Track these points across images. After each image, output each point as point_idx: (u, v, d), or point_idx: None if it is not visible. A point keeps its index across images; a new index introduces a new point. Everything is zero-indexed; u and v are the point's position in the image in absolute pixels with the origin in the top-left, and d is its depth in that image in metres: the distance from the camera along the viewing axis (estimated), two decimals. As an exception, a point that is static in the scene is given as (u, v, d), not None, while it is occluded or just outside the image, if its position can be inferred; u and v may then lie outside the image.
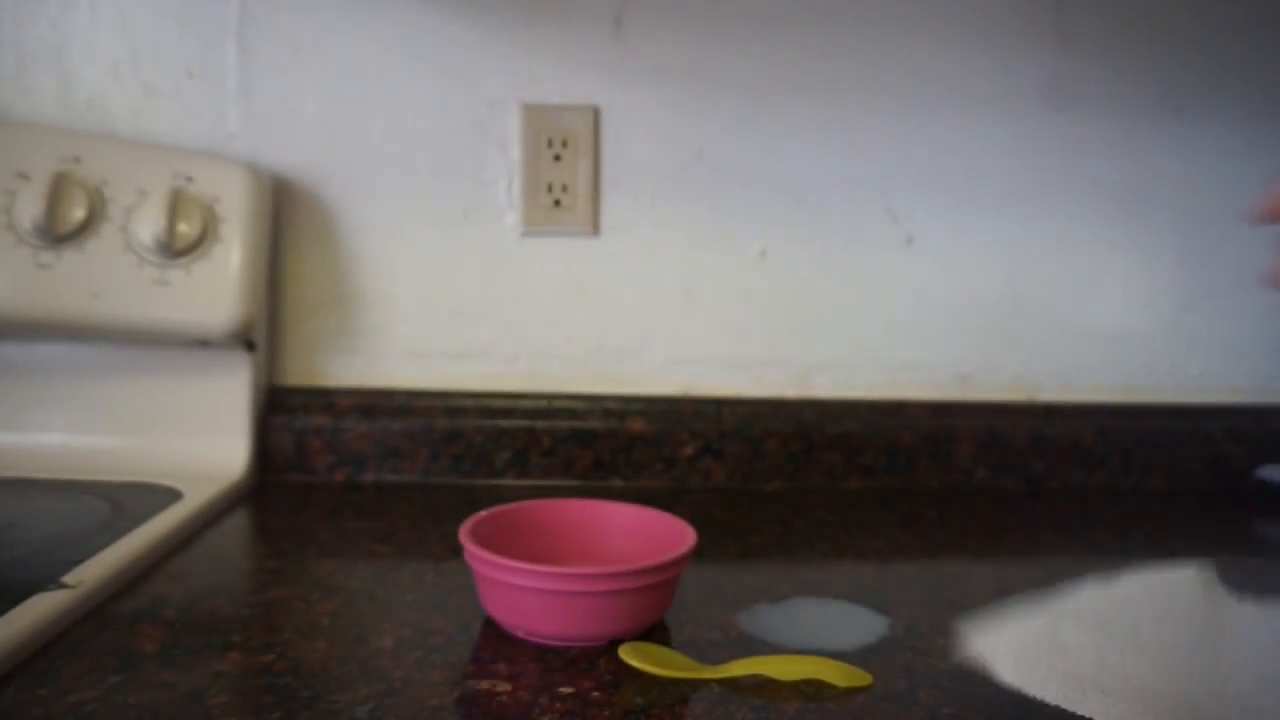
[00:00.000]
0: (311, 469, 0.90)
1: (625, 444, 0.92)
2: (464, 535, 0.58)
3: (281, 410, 0.90)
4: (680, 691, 0.50)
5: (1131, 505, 0.91)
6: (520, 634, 0.56)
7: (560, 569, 0.55)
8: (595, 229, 0.93)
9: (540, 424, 0.91)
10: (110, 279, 0.80)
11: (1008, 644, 0.51)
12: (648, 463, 0.92)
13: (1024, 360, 0.98)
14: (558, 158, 0.91)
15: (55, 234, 0.79)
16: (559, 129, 0.91)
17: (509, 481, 0.91)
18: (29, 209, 0.78)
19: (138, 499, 0.74)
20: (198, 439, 0.85)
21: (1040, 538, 0.80)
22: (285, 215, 0.91)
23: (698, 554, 0.72)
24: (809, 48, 0.93)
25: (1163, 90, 0.96)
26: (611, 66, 0.92)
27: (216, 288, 0.82)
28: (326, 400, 0.91)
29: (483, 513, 0.61)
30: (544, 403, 0.93)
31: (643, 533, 0.63)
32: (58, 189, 0.79)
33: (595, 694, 0.50)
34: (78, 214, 0.80)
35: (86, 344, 0.84)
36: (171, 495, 0.76)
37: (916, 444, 0.93)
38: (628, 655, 0.53)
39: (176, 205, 0.80)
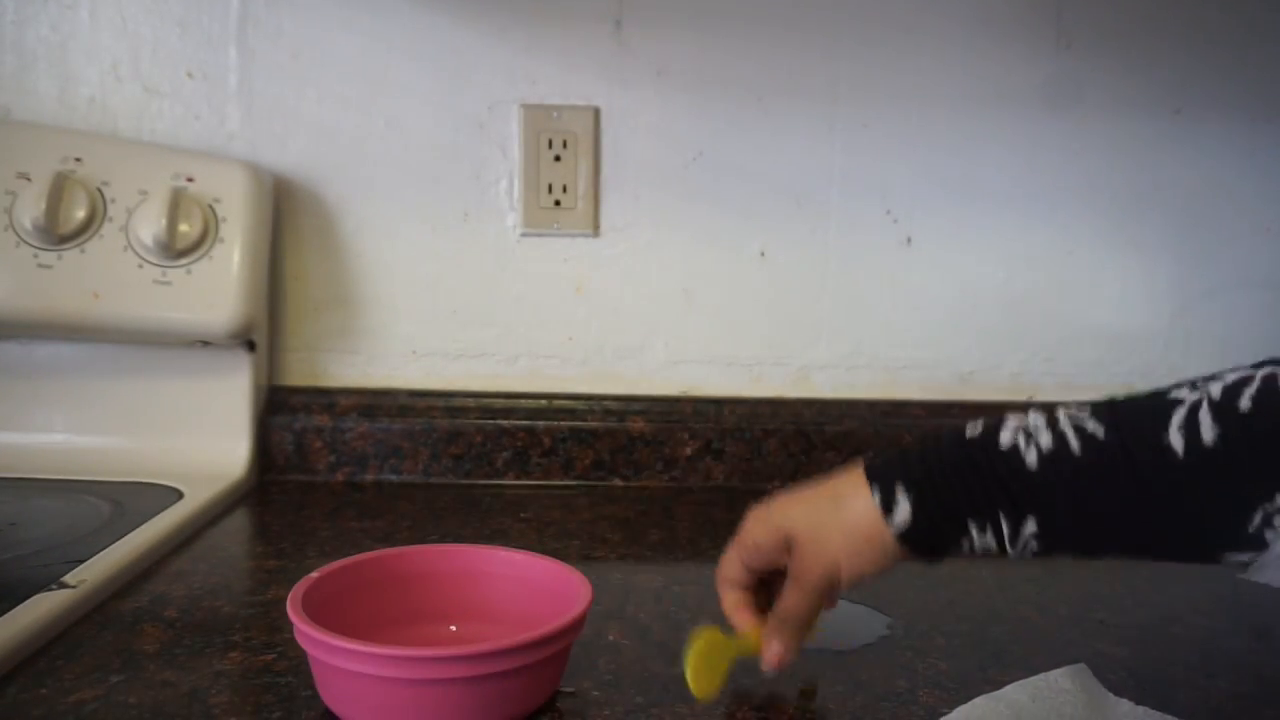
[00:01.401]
0: (312, 469, 0.90)
1: (625, 444, 0.92)
2: (294, 606, 0.46)
3: (282, 410, 0.90)
4: (680, 691, 0.50)
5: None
6: None
7: (435, 651, 0.44)
8: (595, 229, 0.93)
9: (540, 424, 0.92)
10: (111, 279, 0.80)
11: None
12: (648, 462, 0.92)
13: (1023, 360, 0.98)
14: (558, 158, 0.92)
15: (56, 234, 0.79)
16: (559, 129, 0.91)
17: (509, 481, 0.91)
18: (30, 209, 0.78)
19: (139, 499, 0.75)
20: (198, 439, 0.85)
21: (1040, 537, 0.80)
22: (285, 215, 0.91)
23: (699, 553, 0.72)
24: (809, 48, 0.93)
25: (1161, 92, 0.96)
26: (611, 67, 0.92)
27: (217, 288, 0.82)
28: (327, 400, 0.91)
29: (316, 573, 0.50)
30: (544, 403, 0.93)
31: (528, 586, 0.52)
32: (59, 189, 0.79)
33: (595, 693, 0.50)
34: (79, 214, 0.80)
35: (87, 344, 0.84)
36: (172, 495, 0.76)
37: (917, 443, 0.93)
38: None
39: (177, 205, 0.80)
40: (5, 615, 0.52)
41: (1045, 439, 0.44)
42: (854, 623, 0.60)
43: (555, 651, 0.46)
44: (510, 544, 0.72)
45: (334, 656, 0.43)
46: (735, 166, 0.94)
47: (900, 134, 0.94)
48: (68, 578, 0.58)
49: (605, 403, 0.93)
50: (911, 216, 0.96)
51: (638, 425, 0.92)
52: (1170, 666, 0.55)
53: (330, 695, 0.46)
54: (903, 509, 0.45)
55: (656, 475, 0.92)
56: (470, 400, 0.93)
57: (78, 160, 0.81)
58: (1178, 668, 0.55)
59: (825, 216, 0.95)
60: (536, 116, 0.91)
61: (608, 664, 0.53)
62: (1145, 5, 0.95)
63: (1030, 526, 0.44)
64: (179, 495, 0.76)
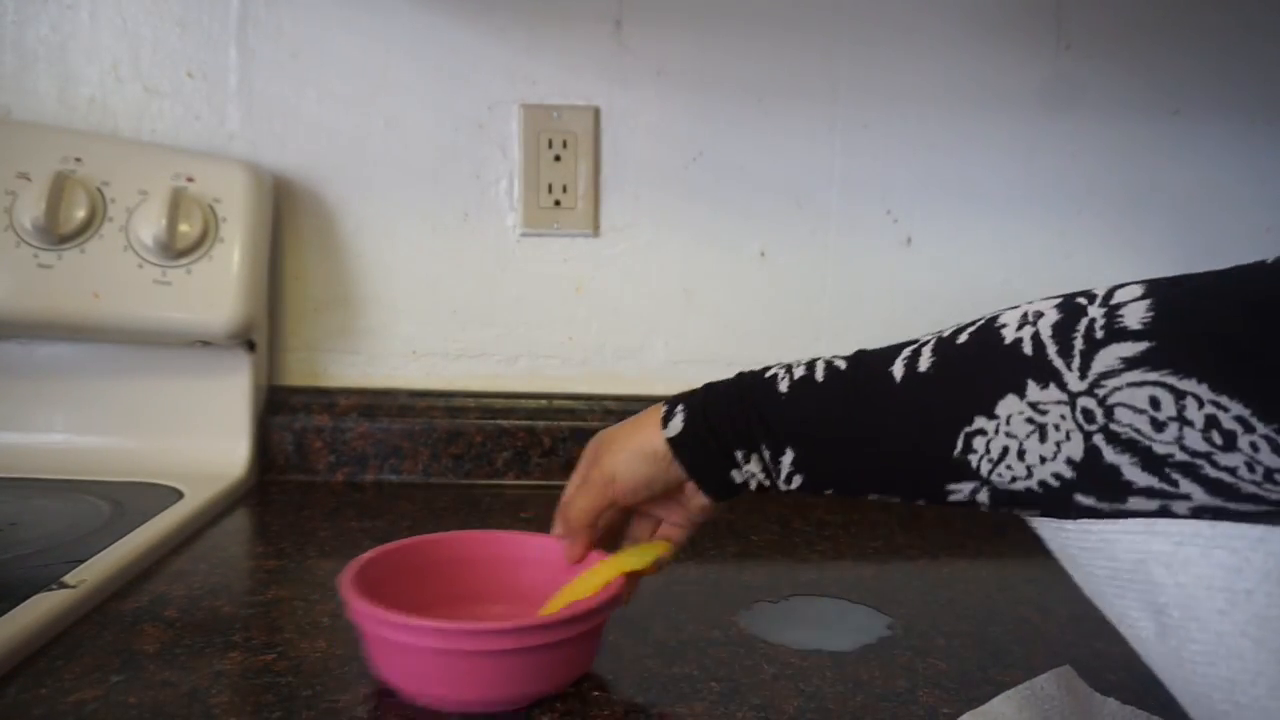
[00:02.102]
0: (312, 469, 0.90)
1: (625, 444, 0.92)
2: (347, 583, 0.49)
3: (282, 410, 0.90)
4: (680, 691, 0.50)
5: (1130, 505, 0.91)
6: (421, 702, 0.48)
7: (475, 625, 0.48)
8: (595, 229, 0.94)
9: (540, 424, 0.92)
10: (111, 279, 0.80)
11: None
12: (647, 463, 0.92)
13: (1023, 361, 0.98)
14: (558, 158, 0.92)
15: (56, 234, 0.79)
16: (559, 129, 0.91)
17: (509, 481, 0.91)
18: (30, 209, 0.78)
19: (139, 498, 0.75)
20: (198, 439, 0.85)
21: (1040, 538, 0.80)
22: (285, 215, 0.91)
23: (699, 553, 0.72)
24: (809, 49, 0.93)
25: (1160, 94, 0.96)
26: (611, 67, 0.92)
27: (217, 288, 0.82)
28: (327, 400, 0.91)
29: (368, 554, 0.53)
30: (544, 403, 0.93)
31: (563, 570, 0.54)
32: (59, 189, 0.79)
33: (595, 693, 0.50)
34: (79, 214, 0.80)
35: (87, 344, 0.85)
36: (172, 495, 0.76)
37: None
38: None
39: (177, 205, 0.80)
40: (5, 615, 0.52)
41: (799, 372, 0.49)
42: (854, 623, 0.60)
43: (596, 624, 0.50)
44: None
45: (397, 633, 0.47)
46: (735, 166, 0.94)
47: (900, 134, 0.94)
48: (68, 578, 0.58)
49: (605, 403, 0.93)
50: (911, 217, 0.96)
51: (637, 425, 0.92)
52: (1170, 666, 0.55)
53: (388, 669, 0.49)
54: (675, 422, 0.51)
55: (656, 475, 0.92)
56: (470, 400, 0.93)
57: (78, 160, 0.81)
58: (1177, 668, 0.55)
59: (825, 217, 0.95)
60: (536, 116, 0.91)
61: (607, 664, 0.53)
62: (1145, 7, 0.95)
63: (788, 455, 0.48)
64: (179, 495, 0.76)
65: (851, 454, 0.46)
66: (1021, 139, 0.95)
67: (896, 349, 0.46)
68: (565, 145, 0.91)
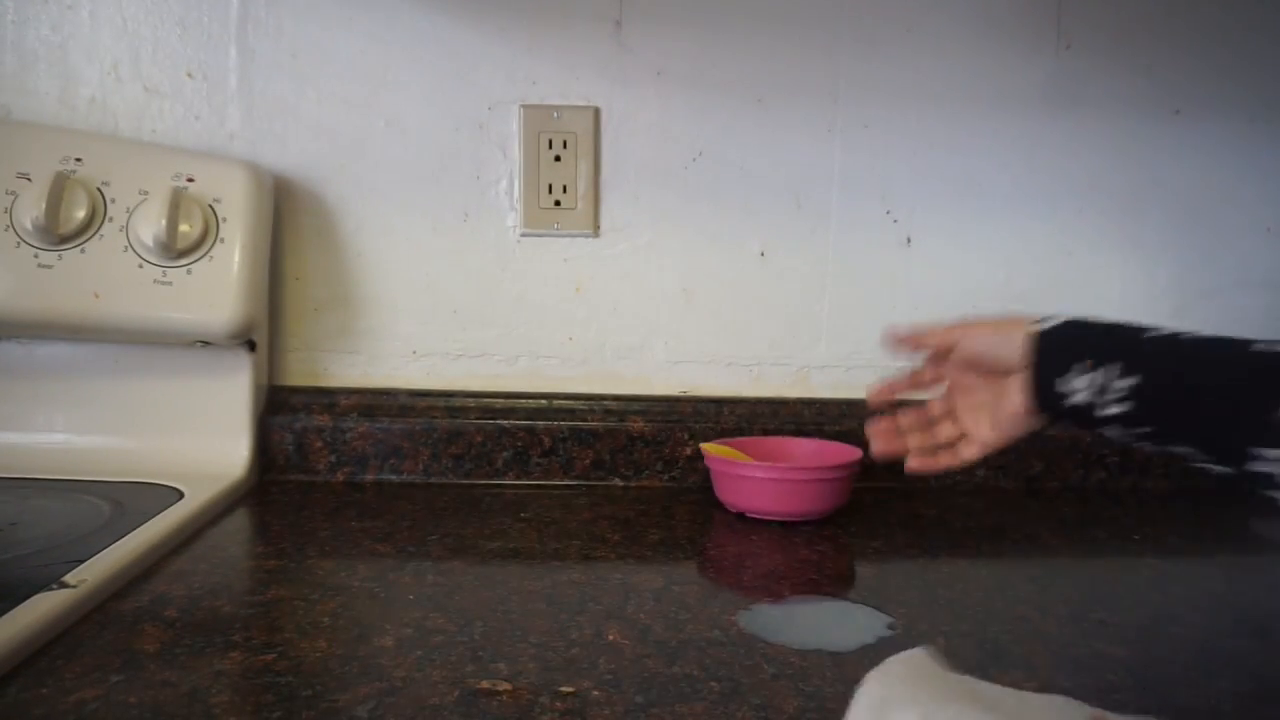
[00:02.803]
0: (312, 469, 0.90)
1: (625, 443, 0.92)
2: (707, 449, 0.84)
3: (282, 410, 0.90)
4: (680, 691, 0.50)
5: (1130, 505, 0.91)
6: (751, 515, 0.81)
7: (776, 465, 0.82)
8: (595, 229, 0.94)
9: (540, 424, 0.92)
10: (111, 279, 0.80)
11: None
12: (647, 462, 0.92)
13: (1023, 360, 0.98)
14: (558, 158, 0.92)
15: (56, 234, 0.79)
16: (559, 129, 0.91)
17: (509, 481, 0.91)
18: (30, 209, 0.78)
19: (139, 498, 0.75)
20: (199, 439, 0.85)
21: (1040, 538, 0.80)
22: (285, 215, 0.91)
23: (698, 553, 0.73)
24: (809, 48, 0.93)
25: (1161, 92, 0.96)
26: (611, 67, 0.92)
27: (217, 288, 0.82)
28: (327, 400, 0.91)
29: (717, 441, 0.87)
30: (544, 403, 0.93)
31: (821, 454, 0.86)
32: (59, 189, 0.79)
33: (595, 693, 0.50)
34: (79, 214, 0.80)
35: (88, 344, 0.85)
36: (172, 495, 0.76)
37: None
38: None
39: (177, 205, 0.80)
40: (5, 615, 0.52)
41: (1173, 327, 0.54)
42: (854, 623, 0.60)
43: (853, 471, 0.82)
44: (510, 543, 0.73)
45: (744, 469, 0.81)
46: (735, 166, 0.94)
47: (900, 134, 0.94)
48: (68, 578, 0.58)
49: (605, 403, 0.93)
50: (911, 216, 0.96)
51: (637, 425, 0.92)
52: (1170, 666, 0.55)
53: (734, 498, 0.82)
54: (1049, 322, 0.58)
55: (656, 475, 0.92)
56: (470, 400, 0.93)
57: (78, 160, 0.81)
58: (1177, 668, 0.55)
59: (825, 216, 0.95)
60: (536, 116, 0.91)
61: (608, 664, 0.53)
62: (1145, 5, 0.95)
63: (1130, 380, 0.53)
64: (179, 495, 0.76)
65: (1189, 393, 0.52)
66: (1022, 138, 0.95)
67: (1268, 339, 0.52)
68: (565, 145, 0.91)
